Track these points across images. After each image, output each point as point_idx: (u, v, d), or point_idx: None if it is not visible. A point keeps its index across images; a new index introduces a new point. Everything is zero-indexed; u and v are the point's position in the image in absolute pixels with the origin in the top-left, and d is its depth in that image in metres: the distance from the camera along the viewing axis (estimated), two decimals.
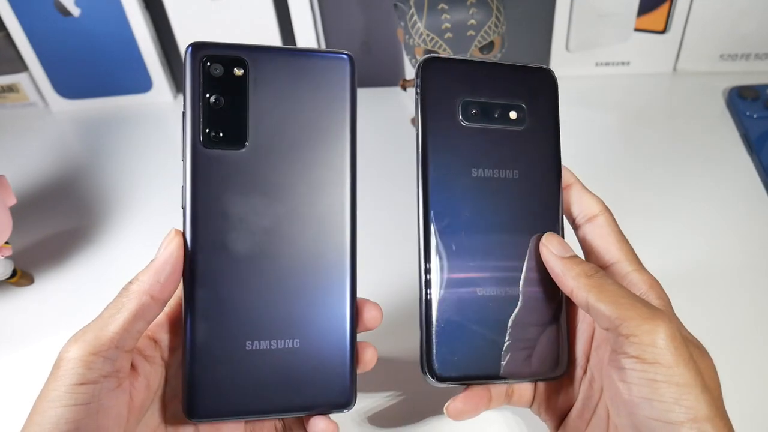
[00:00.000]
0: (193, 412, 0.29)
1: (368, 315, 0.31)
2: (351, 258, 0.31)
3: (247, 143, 0.29)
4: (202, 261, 0.29)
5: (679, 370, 0.25)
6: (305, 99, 0.30)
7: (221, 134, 0.29)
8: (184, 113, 0.29)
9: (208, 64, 0.29)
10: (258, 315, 0.29)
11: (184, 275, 0.29)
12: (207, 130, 0.29)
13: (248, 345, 0.29)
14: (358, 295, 0.31)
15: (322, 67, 0.30)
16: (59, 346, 0.43)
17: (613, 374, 0.27)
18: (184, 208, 0.29)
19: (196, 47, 0.29)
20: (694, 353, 0.27)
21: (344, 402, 0.30)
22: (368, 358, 0.31)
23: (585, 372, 0.33)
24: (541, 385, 0.34)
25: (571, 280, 0.29)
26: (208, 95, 0.29)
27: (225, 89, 0.29)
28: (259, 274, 0.29)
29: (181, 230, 0.29)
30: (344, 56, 0.30)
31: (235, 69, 0.29)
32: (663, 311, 0.27)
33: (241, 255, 0.29)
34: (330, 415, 0.30)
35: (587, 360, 0.33)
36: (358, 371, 0.31)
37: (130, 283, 0.28)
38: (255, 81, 0.29)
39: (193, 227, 0.29)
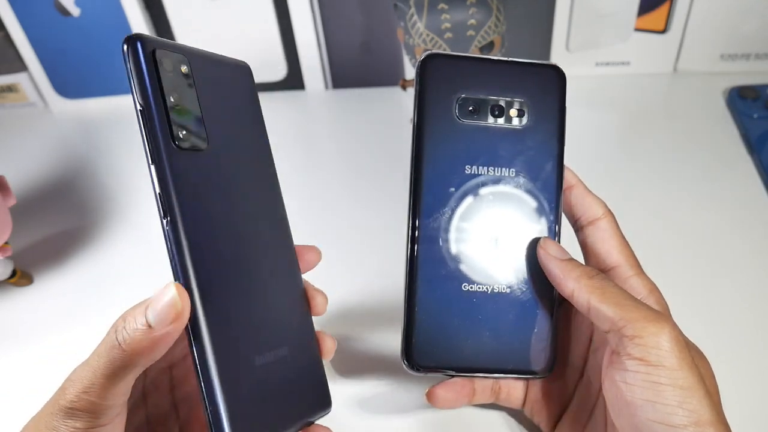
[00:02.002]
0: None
1: (316, 301, 0.31)
2: (293, 260, 0.31)
3: (209, 141, 0.28)
4: (203, 280, 0.26)
5: (683, 373, 0.25)
6: (231, 97, 0.30)
7: (188, 133, 0.27)
8: (143, 113, 0.26)
9: (162, 60, 0.26)
10: (254, 329, 0.28)
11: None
12: (177, 131, 0.26)
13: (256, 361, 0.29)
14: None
15: (232, 71, 0.30)
16: (59, 345, 0.44)
17: (615, 376, 0.27)
18: (168, 219, 0.26)
19: (143, 40, 0.26)
20: (695, 357, 0.27)
21: (327, 406, 0.31)
22: (328, 348, 0.32)
23: (582, 375, 0.33)
24: (533, 386, 0.34)
25: (571, 282, 0.29)
26: (169, 93, 0.26)
27: (180, 86, 0.27)
28: (244, 282, 0.28)
29: (177, 268, 0.26)
30: (244, 64, 0.31)
31: (182, 66, 0.27)
32: (666, 314, 0.27)
33: (229, 263, 0.28)
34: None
35: (584, 363, 0.32)
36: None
37: (123, 327, 0.25)
38: (198, 79, 0.28)
39: (190, 239, 0.26)
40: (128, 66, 0.26)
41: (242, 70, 0.31)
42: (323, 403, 0.31)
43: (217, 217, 0.27)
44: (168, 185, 0.26)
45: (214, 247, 0.27)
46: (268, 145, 0.31)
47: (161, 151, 0.26)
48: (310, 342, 0.31)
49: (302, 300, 0.31)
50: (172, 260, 0.26)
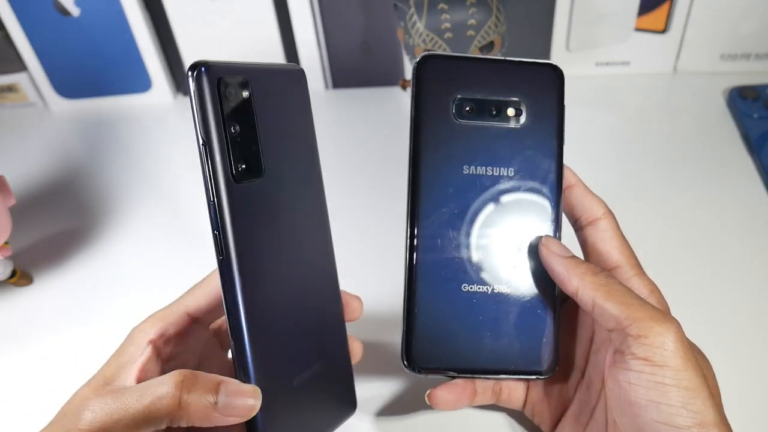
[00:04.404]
0: None
1: (351, 307, 0.33)
2: (332, 264, 0.31)
3: (264, 169, 0.27)
4: (252, 313, 0.27)
5: (688, 374, 0.25)
6: (286, 111, 0.29)
7: (247, 166, 0.27)
8: (205, 146, 0.25)
9: (226, 89, 0.26)
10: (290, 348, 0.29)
11: (234, 313, 0.27)
12: (237, 163, 0.26)
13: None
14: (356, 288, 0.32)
15: (287, 80, 0.29)
16: (59, 345, 0.44)
17: (619, 375, 0.27)
18: (223, 257, 0.26)
19: (209, 69, 0.25)
20: (697, 358, 0.27)
21: (353, 407, 0.32)
22: (356, 353, 0.33)
23: (583, 375, 0.32)
24: (534, 387, 0.34)
25: (576, 279, 0.29)
26: (231, 124, 0.26)
27: (242, 114, 0.26)
28: (292, 310, 0.29)
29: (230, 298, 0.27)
30: (298, 68, 0.30)
31: (244, 91, 0.27)
32: (670, 315, 0.27)
33: (278, 293, 0.28)
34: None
35: (585, 363, 0.32)
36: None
37: (189, 391, 0.25)
38: (257, 102, 0.27)
39: (244, 279, 0.26)
40: (192, 96, 0.25)
41: (296, 76, 0.30)
42: (351, 405, 0.33)
43: (270, 248, 0.28)
44: (225, 223, 0.26)
45: (267, 283, 0.28)
46: (317, 152, 0.31)
47: (220, 187, 0.26)
48: (344, 349, 0.32)
49: (338, 307, 0.32)
50: (226, 297, 0.26)
